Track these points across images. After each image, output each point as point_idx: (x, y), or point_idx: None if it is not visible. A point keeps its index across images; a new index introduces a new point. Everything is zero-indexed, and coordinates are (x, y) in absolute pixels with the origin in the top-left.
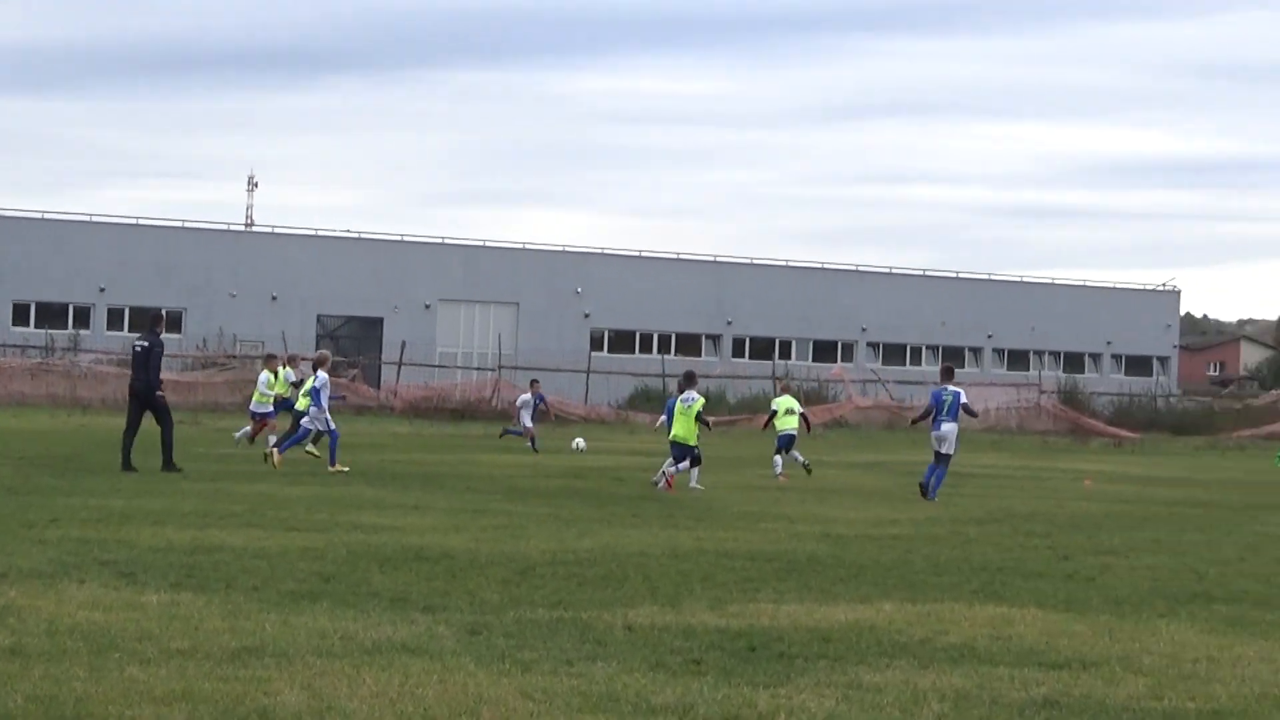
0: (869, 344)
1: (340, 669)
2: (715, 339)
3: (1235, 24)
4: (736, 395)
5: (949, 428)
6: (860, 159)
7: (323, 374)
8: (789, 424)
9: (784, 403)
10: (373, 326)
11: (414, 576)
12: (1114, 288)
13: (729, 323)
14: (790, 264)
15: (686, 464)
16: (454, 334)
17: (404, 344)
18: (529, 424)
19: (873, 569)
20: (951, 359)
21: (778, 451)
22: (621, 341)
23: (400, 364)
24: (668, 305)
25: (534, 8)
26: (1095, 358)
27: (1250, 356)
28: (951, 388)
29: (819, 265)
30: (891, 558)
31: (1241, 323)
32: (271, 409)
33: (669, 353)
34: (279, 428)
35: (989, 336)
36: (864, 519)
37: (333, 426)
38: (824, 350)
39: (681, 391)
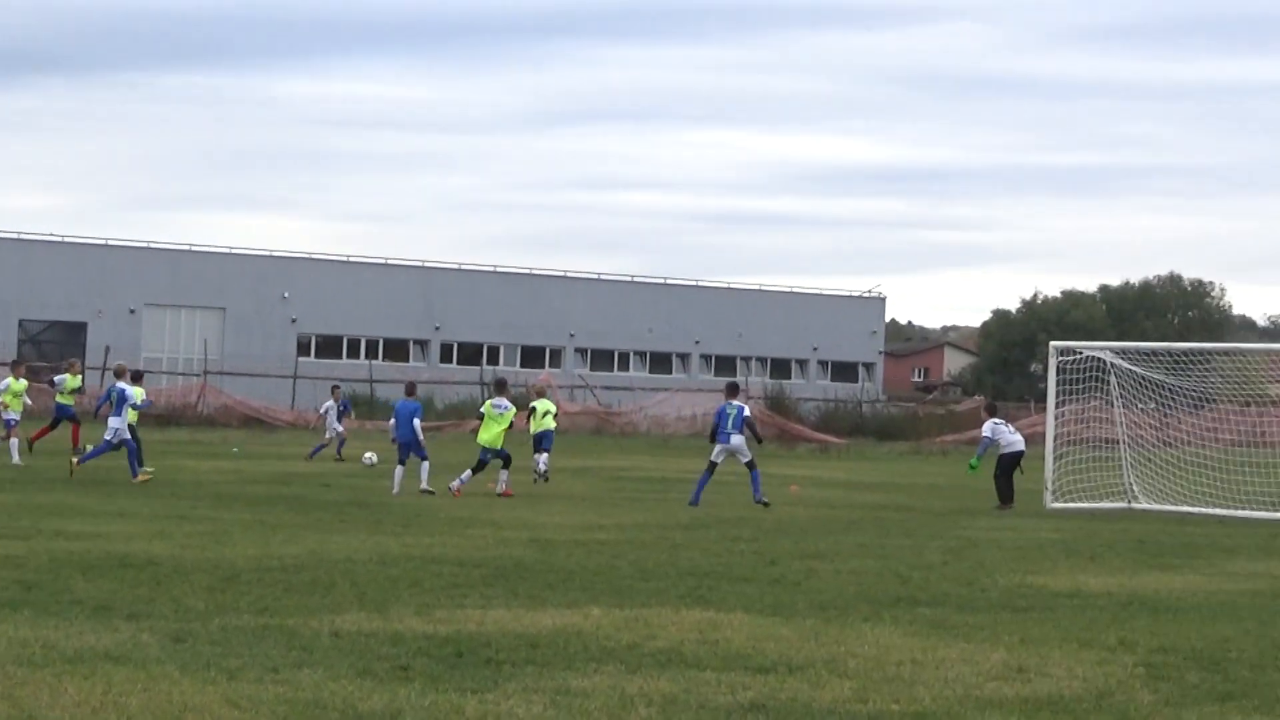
0: (577, 350)
1: (42, 679)
2: (423, 345)
3: (936, 35)
4: (445, 401)
5: (737, 440)
6: (569, 165)
7: (122, 384)
8: (546, 425)
9: (543, 405)
10: (77, 331)
11: (117, 584)
12: (820, 294)
13: (437, 328)
14: (498, 269)
15: (506, 473)
16: (159, 339)
17: (108, 349)
18: (339, 428)
19: (580, 574)
20: (659, 365)
21: (537, 451)
22: (329, 347)
23: (104, 369)
24: (375, 311)
25: (242, 12)
26: (802, 364)
27: (953, 363)
28: (735, 403)
29: (527, 271)
30: (599, 563)
31: (945, 329)
32: (16, 417)
33: (376, 358)
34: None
35: (696, 343)
36: (572, 524)
37: (126, 437)
38: (532, 356)
39: (494, 398)
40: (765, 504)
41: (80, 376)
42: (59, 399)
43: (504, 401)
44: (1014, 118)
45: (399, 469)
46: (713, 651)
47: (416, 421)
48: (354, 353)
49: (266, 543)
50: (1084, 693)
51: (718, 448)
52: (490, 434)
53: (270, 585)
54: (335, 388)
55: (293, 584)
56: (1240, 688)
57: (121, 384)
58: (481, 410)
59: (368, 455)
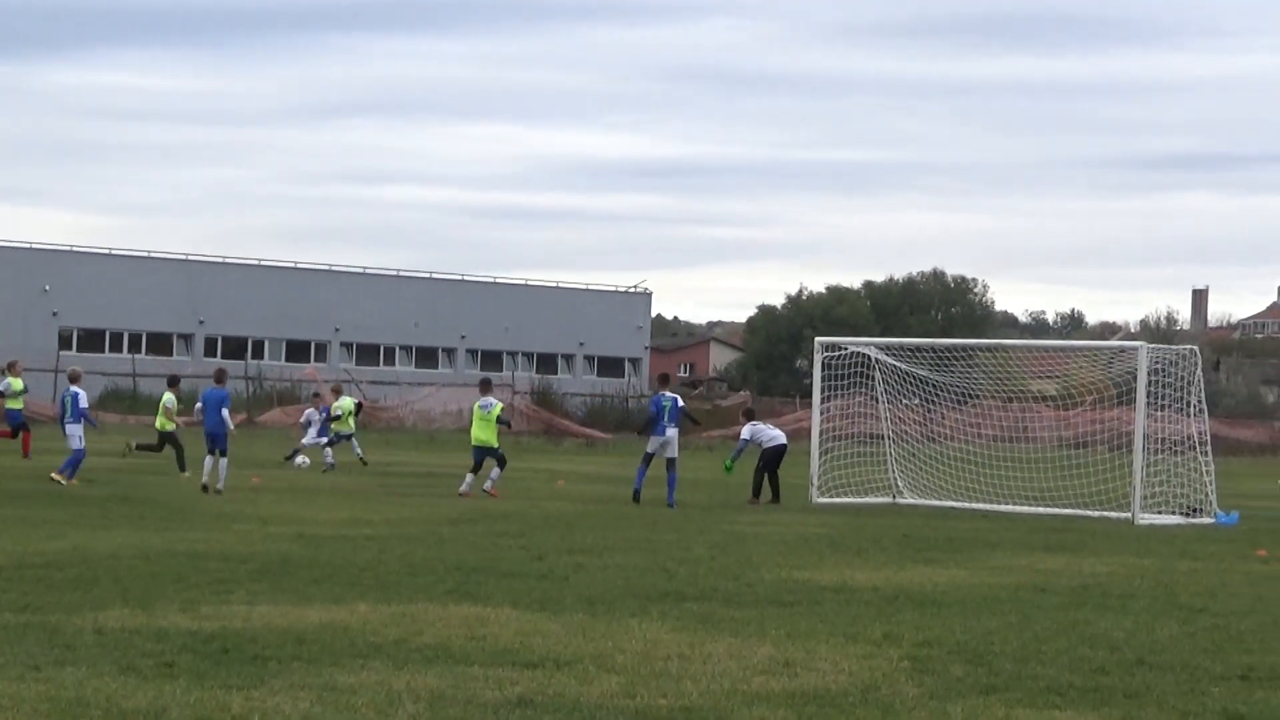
0: (343, 344)
1: None
2: (187, 338)
3: (705, 30)
4: None
5: (672, 433)
6: (334, 158)
7: (75, 387)
8: (351, 425)
9: (346, 404)
10: None
11: None
12: (586, 289)
13: (201, 322)
14: (263, 263)
15: (498, 471)
16: None
17: None
18: (319, 437)
19: (347, 570)
20: (425, 360)
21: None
22: (91, 340)
23: None
24: (138, 304)
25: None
26: (568, 359)
27: (719, 358)
28: (669, 394)
29: (292, 265)
30: (365, 558)
31: (711, 325)
32: None
33: (140, 352)
34: None
35: (463, 337)
36: (338, 519)
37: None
38: (297, 350)
39: (481, 398)
40: (671, 506)
41: (21, 378)
42: (9, 404)
43: (490, 400)
44: (780, 114)
45: (208, 459)
46: (480, 647)
47: (225, 411)
48: (117, 346)
49: (28, 539)
50: (850, 686)
51: (654, 439)
52: (483, 433)
53: (32, 582)
54: (316, 395)
55: (55, 581)
56: (1004, 680)
57: (75, 388)
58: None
59: (301, 459)
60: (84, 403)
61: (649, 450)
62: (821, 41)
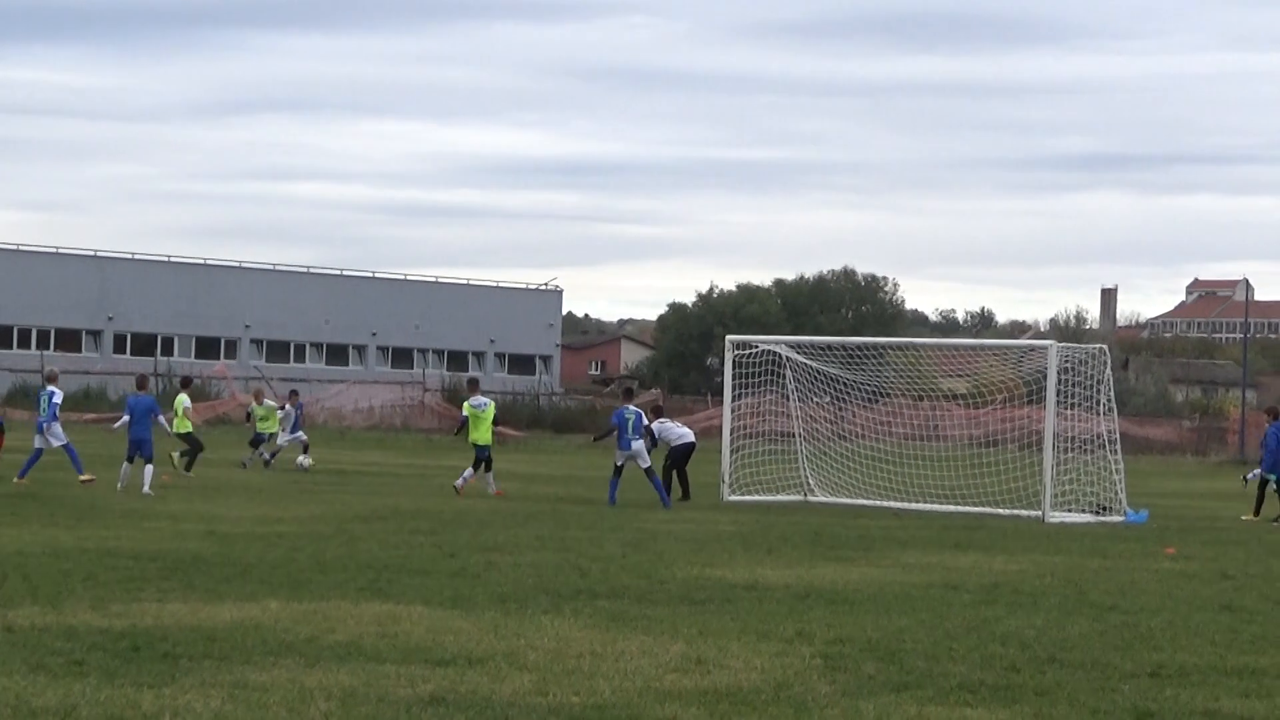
0: (253, 341)
1: None
2: (96, 335)
3: (612, 28)
4: (118, 392)
5: (638, 445)
6: (244, 155)
7: (52, 387)
8: (272, 425)
9: (266, 409)
10: None
11: None
12: (497, 287)
13: (110, 318)
14: (172, 259)
15: (486, 472)
16: None
17: None
18: (294, 435)
19: (258, 567)
20: (336, 357)
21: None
22: None
23: None
24: (47, 300)
25: None
26: (479, 356)
27: (630, 356)
28: (633, 407)
29: (202, 261)
30: (277, 556)
31: (622, 322)
32: None
33: (48, 348)
34: None
35: (373, 334)
36: (249, 517)
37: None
38: (207, 347)
39: (471, 398)
40: (668, 507)
41: None
42: None
43: (481, 399)
44: (690, 112)
45: (126, 465)
46: (392, 644)
47: (162, 418)
48: (25, 343)
49: None
50: (762, 684)
51: (620, 453)
52: (480, 432)
53: None
54: (293, 392)
55: None
56: (915, 678)
57: (52, 387)
58: (464, 414)
59: (301, 459)
60: (57, 399)
61: (618, 463)
62: (731, 40)
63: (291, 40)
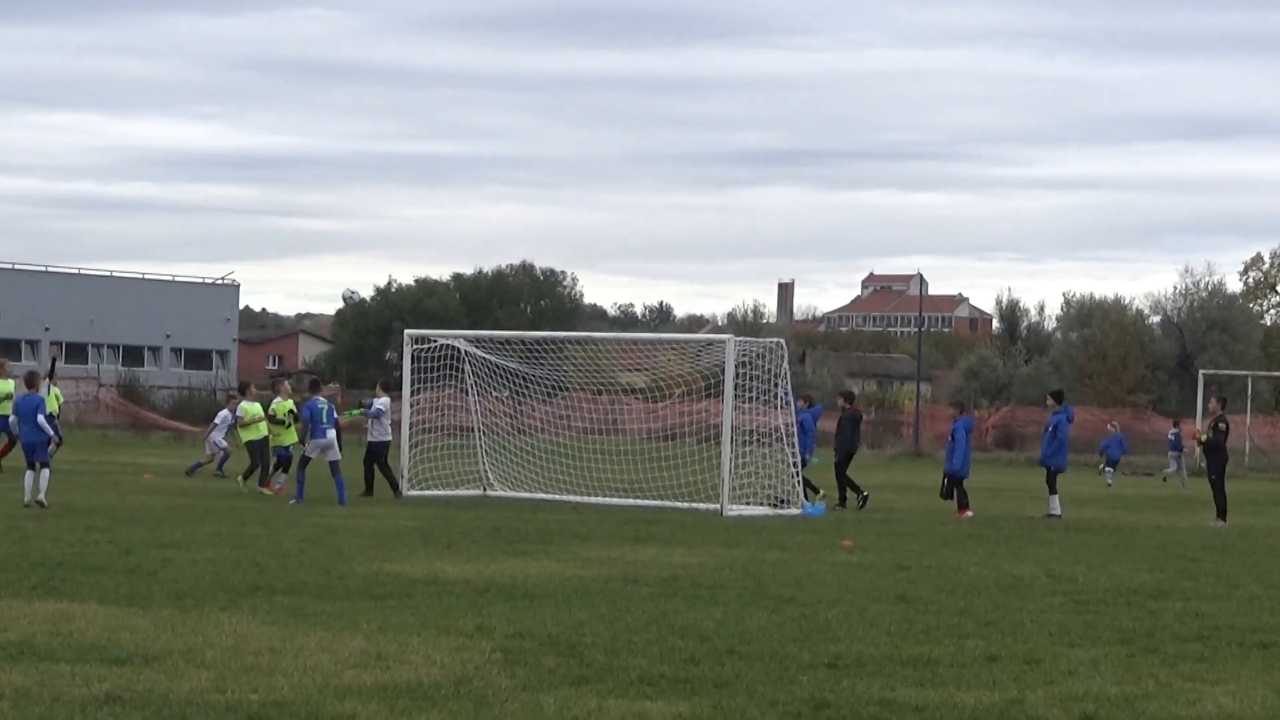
0: None
1: None
2: None
3: (290, 20)
4: None
5: (332, 435)
6: None
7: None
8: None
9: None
10: None
11: None
12: (173, 281)
13: None
14: None
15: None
16: None
17: None
18: (224, 443)
19: None
20: (8, 352)
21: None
22: None
23: None
24: None
25: None
26: (155, 351)
27: (308, 350)
28: (322, 399)
29: None
30: None
31: (299, 317)
32: None
33: None
34: None
35: (46, 329)
36: None
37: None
38: None
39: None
40: (343, 504)
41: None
42: None
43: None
44: (368, 106)
45: (29, 474)
46: (66, 643)
47: (42, 419)
48: None
49: None
50: (443, 679)
51: (313, 443)
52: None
53: None
54: (231, 398)
55: None
56: (595, 671)
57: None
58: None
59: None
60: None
61: (308, 454)
62: (409, 34)
63: None
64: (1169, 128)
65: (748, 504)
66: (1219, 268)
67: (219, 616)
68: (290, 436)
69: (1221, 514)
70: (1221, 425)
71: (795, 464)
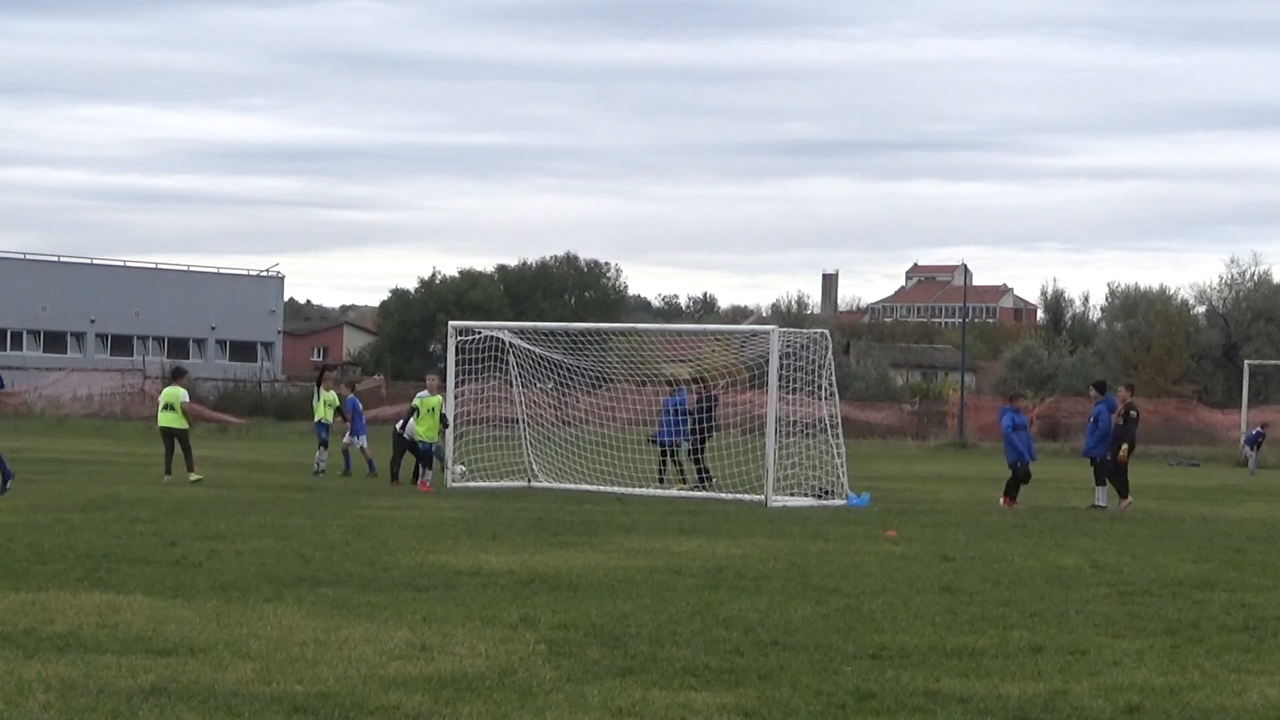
0: None
1: None
2: None
3: (337, 11)
4: None
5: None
6: None
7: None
8: None
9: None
10: None
11: None
12: (218, 273)
13: None
14: None
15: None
16: None
17: None
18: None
19: None
20: (54, 345)
21: None
22: None
23: None
24: None
25: None
26: (200, 343)
27: (353, 342)
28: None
29: None
30: None
31: (344, 309)
32: None
33: None
34: None
35: (92, 321)
36: None
37: None
38: None
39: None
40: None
41: None
42: None
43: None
44: (414, 97)
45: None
46: (112, 635)
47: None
48: None
49: None
50: (487, 670)
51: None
52: (424, 428)
53: None
54: (346, 384)
55: None
56: (639, 662)
57: None
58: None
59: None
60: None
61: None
62: (456, 25)
63: (5, 23)
64: (1216, 117)
65: (792, 495)
66: (1265, 257)
67: (264, 608)
68: (431, 432)
69: (1124, 493)
70: (1132, 413)
71: (840, 455)
